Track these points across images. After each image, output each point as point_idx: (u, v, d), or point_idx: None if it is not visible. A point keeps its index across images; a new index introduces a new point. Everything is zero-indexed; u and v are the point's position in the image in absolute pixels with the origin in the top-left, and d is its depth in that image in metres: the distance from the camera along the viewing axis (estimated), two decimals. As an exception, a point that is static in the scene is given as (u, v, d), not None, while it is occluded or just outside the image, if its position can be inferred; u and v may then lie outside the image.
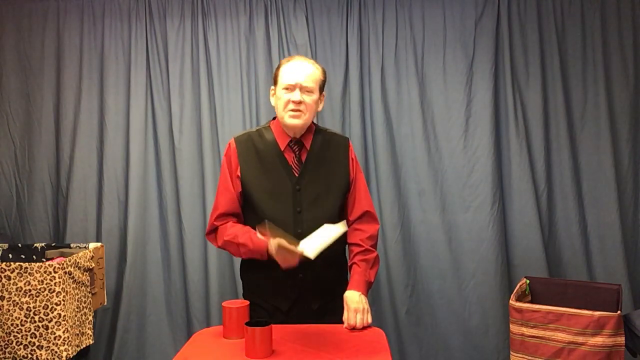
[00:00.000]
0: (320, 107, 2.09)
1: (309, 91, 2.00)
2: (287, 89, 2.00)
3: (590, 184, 2.98)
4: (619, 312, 2.13)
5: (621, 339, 2.10)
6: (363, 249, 2.09)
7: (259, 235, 1.84)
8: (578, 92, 2.97)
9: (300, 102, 1.98)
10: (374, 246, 2.13)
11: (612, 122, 2.95)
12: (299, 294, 2.06)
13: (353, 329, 1.93)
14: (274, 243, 1.83)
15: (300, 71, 2.00)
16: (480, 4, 2.97)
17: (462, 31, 2.99)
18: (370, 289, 2.08)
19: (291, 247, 1.80)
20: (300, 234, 1.95)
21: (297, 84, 1.99)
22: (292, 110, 1.99)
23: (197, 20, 3.05)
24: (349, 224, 2.14)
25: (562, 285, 2.53)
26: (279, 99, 2.02)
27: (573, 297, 2.46)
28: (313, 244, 1.79)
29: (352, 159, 2.14)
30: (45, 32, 3.11)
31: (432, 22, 3.00)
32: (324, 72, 2.09)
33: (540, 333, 2.20)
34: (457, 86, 2.99)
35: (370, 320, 1.95)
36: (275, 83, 2.06)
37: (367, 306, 1.97)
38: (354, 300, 1.96)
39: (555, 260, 3.01)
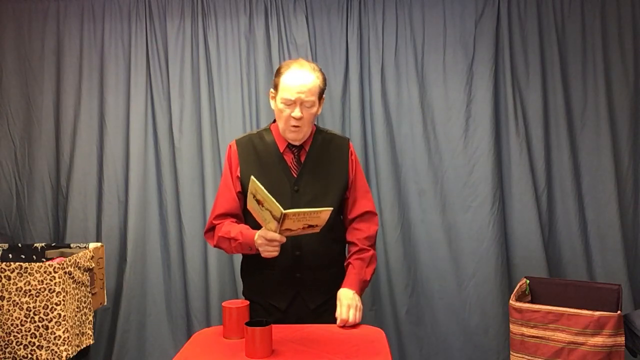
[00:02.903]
0: (319, 111, 2.09)
1: (309, 106, 2.00)
2: (287, 104, 1.99)
3: (590, 183, 2.97)
4: (619, 312, 2.13)
5: (621, 339, 2.10)
6: (359, 248, 2.09)
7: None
8: (578, 92, 2.97)
9: (300, 118, 1.99)
10: (372, 246, 2.13)
11: (612, 122, 2.95)
12: (297, 293, 2.07)
13: (344, 326, 1.93)
14: (257, 234, 1.87)
15: (300, 86, 1.97)
16: (480, 4, 2.97)
17: (462, 31, 2.98)
18: (366, 287, 2.08)
19: (270, 233, 1.82)
20: (297, 236, 1.96)
21: (297, 99, 1.98)
22: (293, 126, 2.00)
23: (197, 20, 3.05)
24: (347, 223, 2.15)
25: (562, 285, 2.53)
26: (280, 111, 2.02)
27: (573, 297, 2.45)
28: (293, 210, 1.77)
29: (353, 159, 2.14)
30: (45, 32, 3.11)
31: (432, 22, 3.00)
32: (324, 80, 2.07)
33: (540, 333, 2.20)
34: (457, 86, 2.99)
35: (360, 318, 1.96)
36: (275, 88, 2.05)
37: (359, 304, 1.98)
38: (348, 297, 1.97)
39: (555, 260, 3.00)
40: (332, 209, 1.87)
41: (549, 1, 2.96)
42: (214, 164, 3.05)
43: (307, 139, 2.09)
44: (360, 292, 2.03)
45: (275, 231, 1.80)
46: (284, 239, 1.84)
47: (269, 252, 1.86)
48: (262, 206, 1.77)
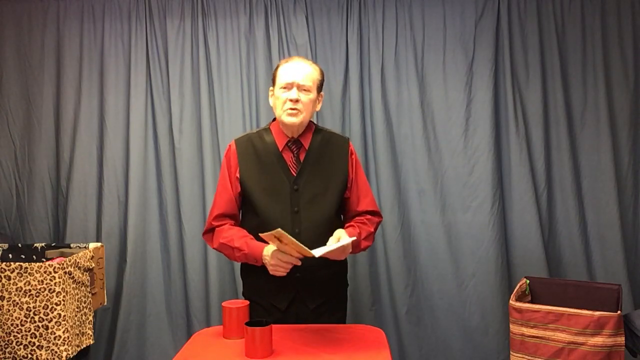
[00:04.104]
0: (318, 107, 2.12)
1: (305, 90, 2.03)
2: (284, 87, 2.03)
3: (590, 183, 2.97)
4: (619, 312, 2.13)
5: (621, 339, 2.10)
6: (363, 218, 2.12)
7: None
8: (578, 92, 2.97)
9: (297, 100, 2.00)
10: (374, 227, 2.14)
11: (612, 122, 2.95)
12: (297, 293, 2.07)
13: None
14: (269, 250, 1.89)
15: (297, 70, 2.03)
16: (480, 4, 2.97)
17: (462, 31, 2.99)
18: (357, 249, 2.06)
19: (286, 256, 1.84)
20: (297, 234, 1.97)
21: (293, 82, 2.01)
22: (290, 109, 2.01)
23: (197, 20, 3.05)
24: (351, 217, 2.16)
25: (562, 285, 2.53)
26: (277, 98, 2.05)
27: (573, 297, 2.45)
28: (321, 249, 1.82)
29: (353, 159, 2.15)
30: (45, 32, 3.11)
31: (432, 22, 3.00)
32: (322, 72, 2.11)
33: (540, 333, 2.20)
34: (457, 86, 2.99)
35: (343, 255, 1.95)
36: (273, 83, 2.09)
37: (347, 251, 1.95)
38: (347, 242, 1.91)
39: (555, 260, 3.00)
40: (355, 238, 1.91)
41: (549, 1, 2.96)
42: (214, 164, 3.05)
43: (306, 137, 2.10)
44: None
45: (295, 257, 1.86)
46: (299, 262, 1.89)
47: (280, 272, 1.90)
48: (287, 245, 1.80)
